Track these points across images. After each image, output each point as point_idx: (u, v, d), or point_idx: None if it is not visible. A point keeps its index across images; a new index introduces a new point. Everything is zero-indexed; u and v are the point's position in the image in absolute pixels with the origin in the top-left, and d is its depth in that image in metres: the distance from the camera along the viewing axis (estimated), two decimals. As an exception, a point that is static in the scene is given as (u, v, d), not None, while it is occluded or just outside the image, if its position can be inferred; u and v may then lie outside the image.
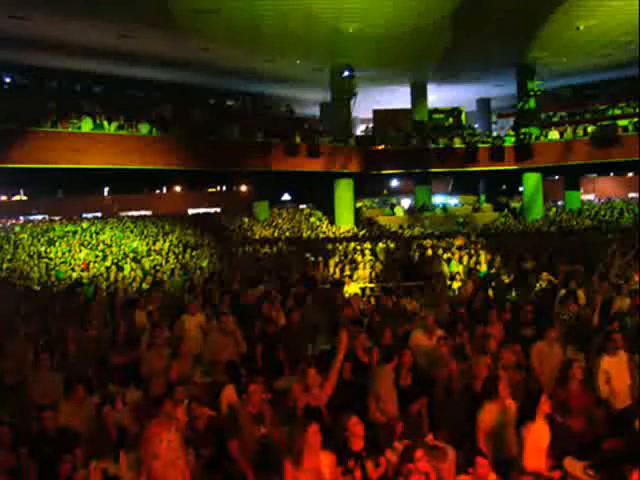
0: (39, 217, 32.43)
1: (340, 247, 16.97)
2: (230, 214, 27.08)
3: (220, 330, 7.00)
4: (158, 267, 15.18)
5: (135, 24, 17.93)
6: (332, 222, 24.67)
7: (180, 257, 16.92)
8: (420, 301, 9.29)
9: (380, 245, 16.56)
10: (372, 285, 12.65)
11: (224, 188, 39.38)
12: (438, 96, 29.09)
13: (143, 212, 32.81)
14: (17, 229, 23.70)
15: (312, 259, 13.93)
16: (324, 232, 23.41)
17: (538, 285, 10.11)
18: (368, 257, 14.67)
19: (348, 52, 21.25)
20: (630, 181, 36.66)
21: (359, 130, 31.11)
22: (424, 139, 25.50)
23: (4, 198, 36.68)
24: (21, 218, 32.11)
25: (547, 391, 4.93)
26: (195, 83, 26.00)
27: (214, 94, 27.57)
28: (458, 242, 16.64)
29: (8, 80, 22.77)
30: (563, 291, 8.68)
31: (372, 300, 10.71)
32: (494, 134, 28.53)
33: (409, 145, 25.26)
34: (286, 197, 32.59)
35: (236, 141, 21.11)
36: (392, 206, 28.47)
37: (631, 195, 35.15)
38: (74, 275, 15.40)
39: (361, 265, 13.61)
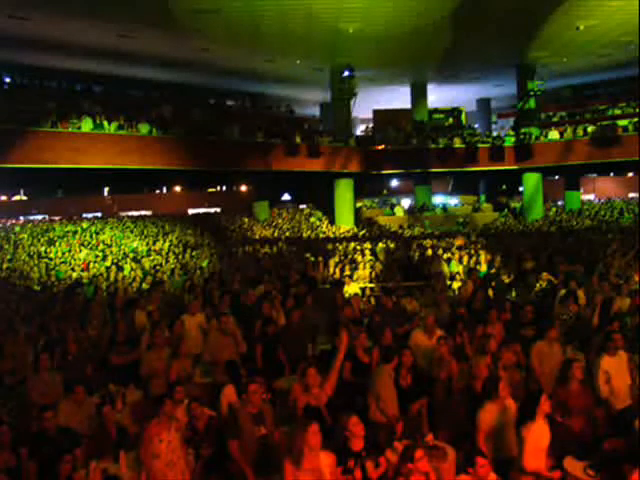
0: (39, 217, 32.45)
1: (340, 247, 16.96)
2: (230, 214, 27.09)
3: (220, 330, 6.99)
4: (158, 267, 15.16)
5: (135, 24, 17.95)
6: (332, 222, 24.67)
7: (180, 257, 16.91)
8: (420, 301, 9.27)
9: (380, 245, 16.55)
10: (372, 285, 12.63)
11: (224, 188, 39.38)
12: (438, 96, 29.10)
13: (143, 212, 32.82)
14: (17, 229, 23.71)
15: (312, 259, 13.91)
16: (324, 232, 23.41)
17: (538, 285, 10.09)
18: (368, 257, 14.66)
19: (348, 52, 21.25)
20: (630, 181, 36.68)
21: (359, 130, 31.11)
22: (424, 139, 25.50)
23: (4, 198, 36.69)
24: (21, 218, 32.13)
25: (547, 391, 4.93)
26: (195, 83, 26.03)
27: (214, 94, 27.59)
28: (458, 242, 16.62)
29: (8, 80, 22.80)
30: (563, 291, 8.66)
31: (372, 300, 10.70)
32: (494, 134, 28.51)
33: (409, 145, 25.26)
34: (286, 197, 32.58)
35: (236, 141, 21.12)
36: (392, 206, 28.47)
37: (631, 195, 35.17)
38: (74, 275, 15.39)
39: (361, 265, 13.59)
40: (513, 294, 10.05)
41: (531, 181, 25.07)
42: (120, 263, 16.29)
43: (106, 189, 35.88)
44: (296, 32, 19.07)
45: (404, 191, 34.07)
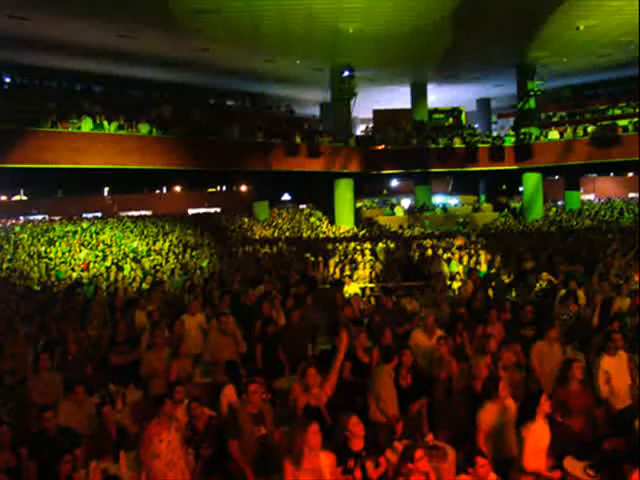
0: (39, 217, 32.44)
1: (340, 247, 16.96)
2: (230, 214, 27.09)
3: (220, 330, 6.99)
4: (158, 267, 15.16)
5: (135, 24, 17.96)
6: (332, 222, 24.67)
7: (180, 257, 16.91)
8: (420, 301, 9.27)
9: (380, 245, 16.55)
10: (372, 285, 12.63)
11: (224, 188, 39.38)
12: (438, 96, 29.10)
13: (143, 212, 32.81)
14: (17, 229, 23.70)
15: (312, 259, 13.90)
16: (324, 232, 23.41)
17: (538, 285, 10.09)
18: (368, 257, 14.65)
19: (348, 52, 21.25)
20: (630, 181, 36.68)
21: (359, 130, 31.11)
22: (424, 139, 25.50)
23: (4, 198, 36.69)
24: (21, 218, 32.13)
25: (547, 391, 4.93)
26: (195, 83, 26.03)
27: (214, 94, 27.60)
28: (458, 242, 16.62)
29: (8, 80, 22.80)
30: (563, 291, 8.66)
31: (372, 300, 10.70)
32: (494, 134, 28.51)
33: (409, 145, 25.26)
34: (286, 197, 32.58)
35: (236, 141, 21.13)
36: (392, 206, 28.47)
37: (631, 195, 35.16)
38: (74, 275, 15.39)
39: (361, 265, 13.59)
40: (513, 294, 10.05)
41: (531, 181, 25.07)
42: (120, 263, 16.28)
43: (106, 189, 35.88)
44: (296, 32, 19.07)
45: (404, 191, 34.06)
